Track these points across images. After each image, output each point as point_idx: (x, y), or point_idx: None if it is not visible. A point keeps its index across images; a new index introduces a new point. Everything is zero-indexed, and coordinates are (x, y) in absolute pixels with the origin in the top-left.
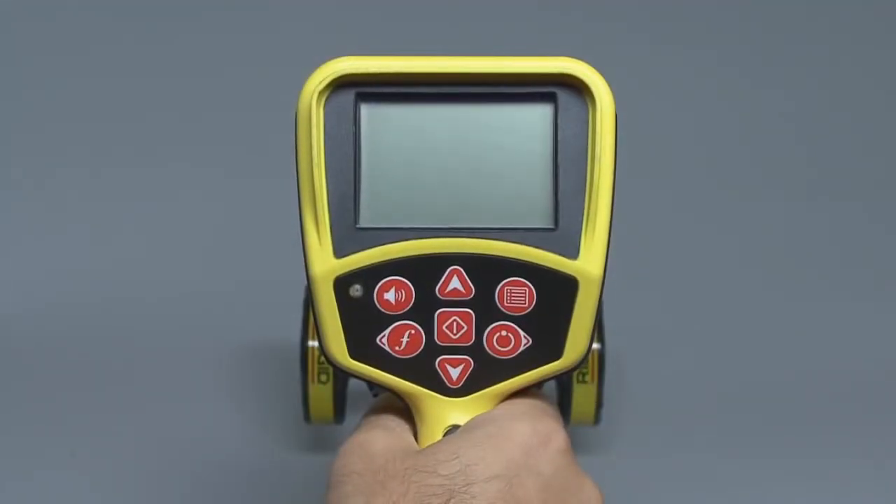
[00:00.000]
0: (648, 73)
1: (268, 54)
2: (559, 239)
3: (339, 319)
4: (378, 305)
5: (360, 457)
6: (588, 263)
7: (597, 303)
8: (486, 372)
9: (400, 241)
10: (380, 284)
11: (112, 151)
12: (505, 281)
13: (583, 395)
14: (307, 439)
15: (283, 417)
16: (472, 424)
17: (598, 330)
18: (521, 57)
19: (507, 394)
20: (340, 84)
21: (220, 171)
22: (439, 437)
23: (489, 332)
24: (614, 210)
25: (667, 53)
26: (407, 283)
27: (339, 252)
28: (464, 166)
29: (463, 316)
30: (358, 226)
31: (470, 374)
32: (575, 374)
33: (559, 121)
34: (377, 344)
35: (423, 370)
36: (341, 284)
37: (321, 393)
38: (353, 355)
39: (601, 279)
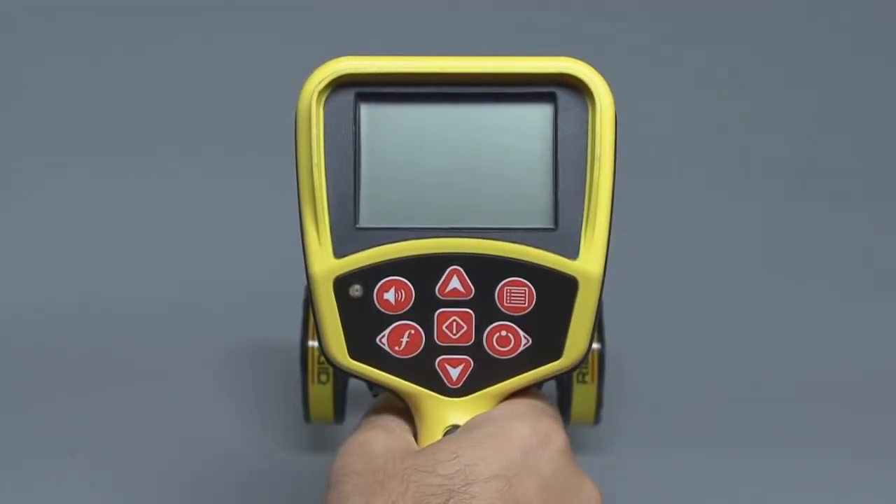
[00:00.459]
0: (648, 73)
1: (267, 54)
2: (559, 239)
3: (338, 319)
4: (378, 305)
5: (359, 457)
6: (588, 263)
7: (597, 303)
8: (485, 372)
9: (400, 241)
10: (380, 284)
11: (112, 151)
12: (505, 281)
13: (583, 395)
14: (307, 439)
15: (283, 417)
16: (472, 424)
17: (598, 330)
18: (520, 57)
19: (506, 394)
20: (340, 84)
21: (221, 171)
22: (439, 437)
23: (489, 332)
24: (614, 210)
25: (667, 53)
26: (407, 283)
27: (339, 252)
28: (463, 166)
29: (463, 316)
30: (358, 226)
31: (470, 374)
32: (575, 374)
33: (559, 121)
34: (377, 344)
35: (422, 370)
36: (341, 284)
37: (321, 393)
38: (353, 355)
39: (601, 279)
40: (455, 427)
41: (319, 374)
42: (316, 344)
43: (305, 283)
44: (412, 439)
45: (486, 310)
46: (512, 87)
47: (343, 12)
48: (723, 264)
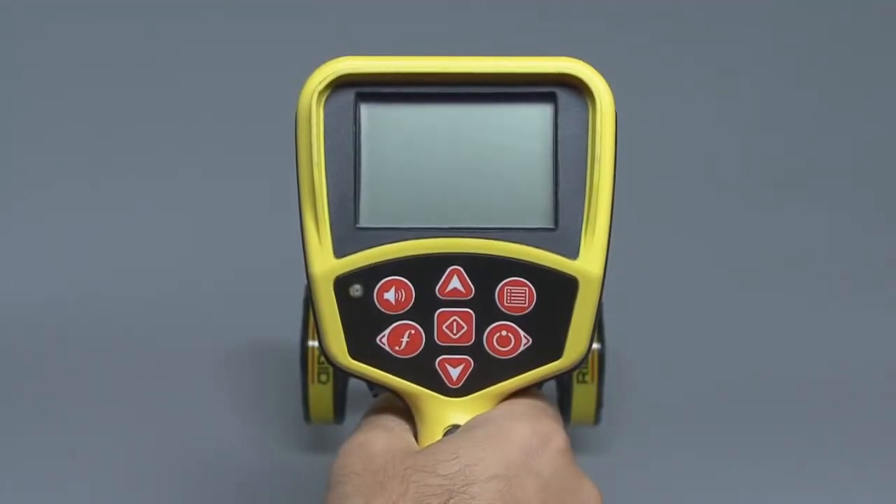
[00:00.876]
0: (648, 73)
1: (268, 54)
2: (559, 239)
3: (339, 319)
4: (378, 305)
5: (359, 457)
6: (588, 263)
7: (597, 303)
8: (486, 372)
9: (400, 241)
10: (380, 284)
11: (112, 151)
12: (505, 281)
13: (583, 395)
14: (307, 439)
15: (283, 417)
16: (472, 424)
17: (598, 330)
18: (521, 57)
19: (507, 394)
20: (340, 84)
21: (221, 171)
22: (439, 437)
23: (489, 332)
24: (614, 210)
25: (667, 53)
26: (407, 283)
27: (340, 252)
28: (464, 166)
29: (463, 316)
30: (358, 226)
31: (470, 373)
32: (575, 374)
33: (559, 121)
34: (377, 344)
35: (423, 370)
36: (341, 284)
37: (321, 393)
38: (353, 355)
39: (601, 279)
40: (455, 427)
41: (319, 374)
42: (316, 344)
43: (305, 282)
44: (412, 439)
45: (486, 310)
46: (512, 87)
47: (343, 12)
48: (723, 264)
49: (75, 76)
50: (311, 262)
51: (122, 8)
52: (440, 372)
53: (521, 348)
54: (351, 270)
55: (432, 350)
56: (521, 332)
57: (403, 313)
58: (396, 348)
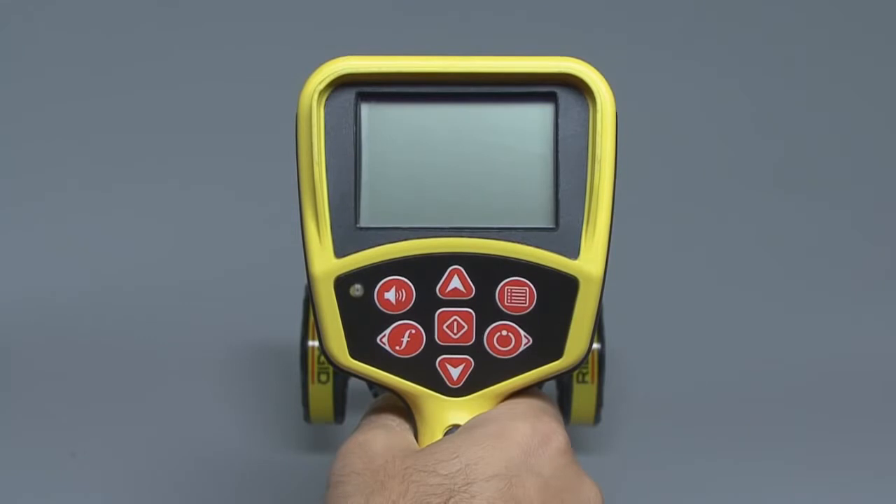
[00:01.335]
0: (649, 73)
1: (268, 55)
2: (560, 239)
3: (339, 319)
4: (378, 305)
5: (359, 457)
6: (588, 263)
7: (597, 303)
8: (486, 371)
9: (400, 241)
10: (380, 284)
11: (113, 151)
12: (505, 281)
13: (583, 395)
14: (307, 439)
15: (283, 417)
16: (473, 424)
17: (598, 330)
18: (521, 56)
19: (507, 393)
20: (341, 84)
21: (220, 172)
22: (439, 436)
23: (489, 332)
24: (615, 210)
25: (667, 53)
26: (407, 283)
27: (340, 252)
28: (464, 166)
29: (463, 315)
30: (358, 225)
31: (470, 373)
32: (575, 374)
33: (560, 121)
34: (377, 343)
35: (423, 370)
36: (342, 284)
37: (321, 393)
38: (354, 355)
39: (601, 279)
40: (455, 427)
41: (319, 373)
42: (316, 344)
43: (305, 282)
44: (412, 439)
45: (486, 309)
46: (513, 87)
47: (343, 13)
48: (722, 265)
49: (75, 77)
50: (312, 262)
51: (123, 7)
52: (440, 372)
53: (522, 348)
54: (351, 270)
55: (433, 350)
56: (522, 332)
57: (404, 313)
58: (397, 348)
